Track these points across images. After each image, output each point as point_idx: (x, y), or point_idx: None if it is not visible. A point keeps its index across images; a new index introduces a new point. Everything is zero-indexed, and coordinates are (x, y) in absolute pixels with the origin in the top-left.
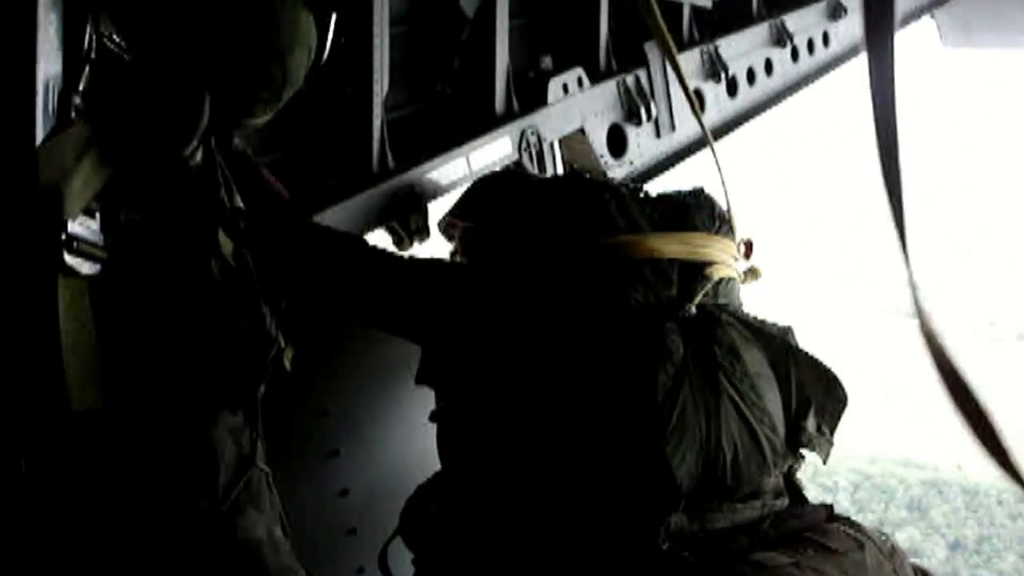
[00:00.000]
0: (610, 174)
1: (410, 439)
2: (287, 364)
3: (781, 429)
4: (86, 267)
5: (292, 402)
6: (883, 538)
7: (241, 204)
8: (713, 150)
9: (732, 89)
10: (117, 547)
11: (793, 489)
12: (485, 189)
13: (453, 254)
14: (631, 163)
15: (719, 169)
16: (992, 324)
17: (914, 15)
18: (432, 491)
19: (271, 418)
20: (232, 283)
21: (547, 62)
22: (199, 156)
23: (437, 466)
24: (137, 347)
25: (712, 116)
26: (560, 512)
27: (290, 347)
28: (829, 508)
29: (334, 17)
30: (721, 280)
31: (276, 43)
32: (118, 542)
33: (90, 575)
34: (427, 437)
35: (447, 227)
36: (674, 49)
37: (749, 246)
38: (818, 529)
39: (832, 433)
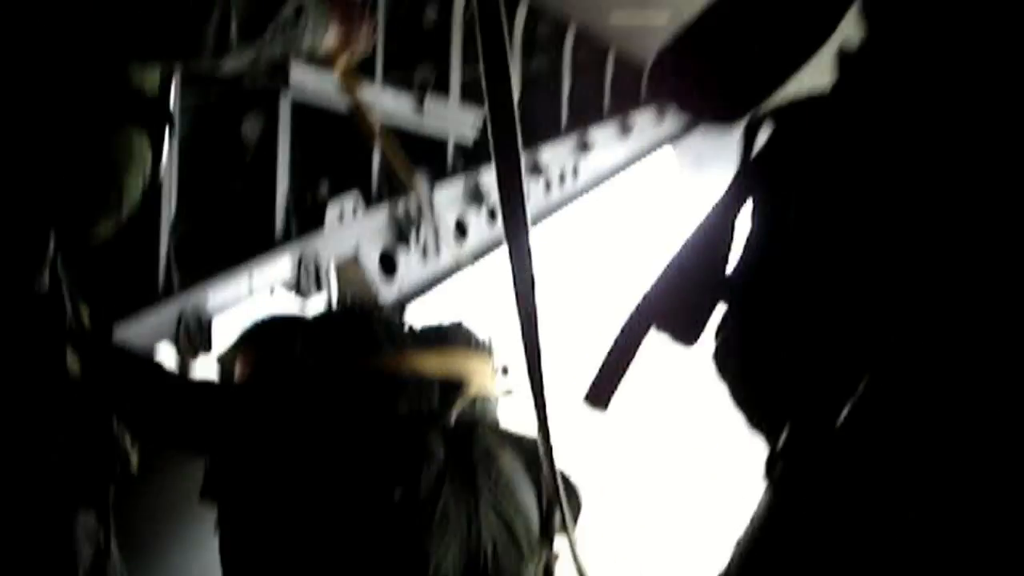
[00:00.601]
0: (381, 294)
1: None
2: (133, 468)
3: (535, 523)
4: None
5: None
6: None
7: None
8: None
9: (493, 215)
10: None
11: None
12: (264, 327)
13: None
14: (399, 285)
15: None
16: None
17: (653, 147)
18: None
19: None
20: (79, 394)
21: (324, 188)
22: (46, 281)
23: None
24: None
25: (473, 240)
26: None
27: (135, 450)
28: None
29: (167, 134)
30: (476, 397)
31: (111, 168)
32: None
33: None
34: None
35: (226, 363)
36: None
37: (505, 370)
38: None
39: (574, 531)
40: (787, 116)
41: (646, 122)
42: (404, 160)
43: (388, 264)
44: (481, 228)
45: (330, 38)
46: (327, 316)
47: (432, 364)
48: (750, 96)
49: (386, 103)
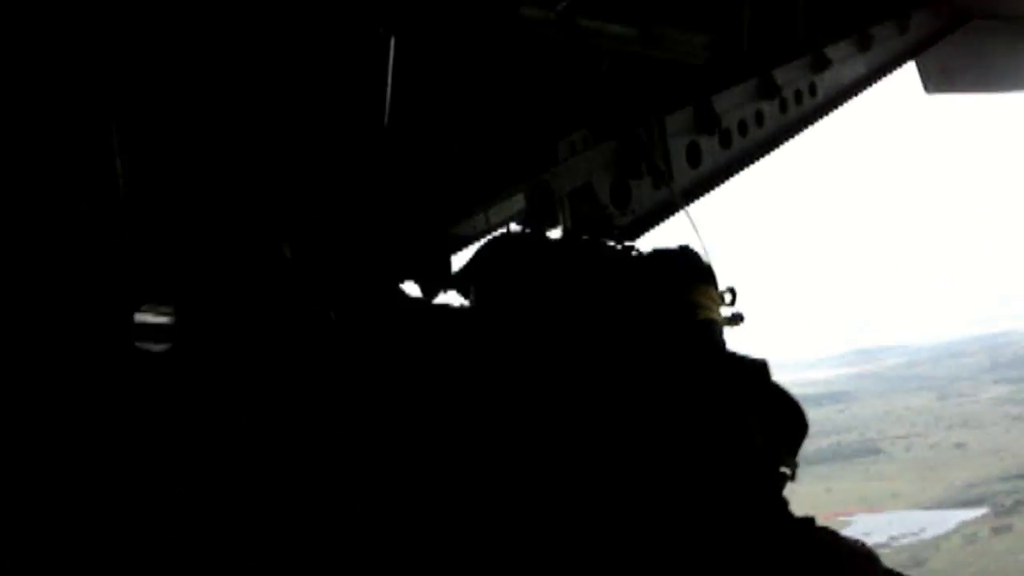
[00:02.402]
0: (615, 223)
1: None
2: None
3: (760, 447)
4: None
5: None
6: (858, 544)
7: None
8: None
9: (725, 141)
10: None
11: (780, 501)
12: (496, 249)
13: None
14: (633, 212)
15: (693, 224)
16: None
17: (898, 60)
18: None
19: None
20: None
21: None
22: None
23: None
24: None
25: (707, 165)
26: None
27: None
28: (811, 520)
29: None
30: (702, 322)
31: None
32: None
33: None
34: None
35: (463, 283)
36: None
37: (733, 294)
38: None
39: (795, 456)
40: None
41: (887, 35)
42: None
43: (621, 194)
44: (715, 153)
45: None
46: (558, 241)
47: (658, 290)
48: None
49: (612, 31)
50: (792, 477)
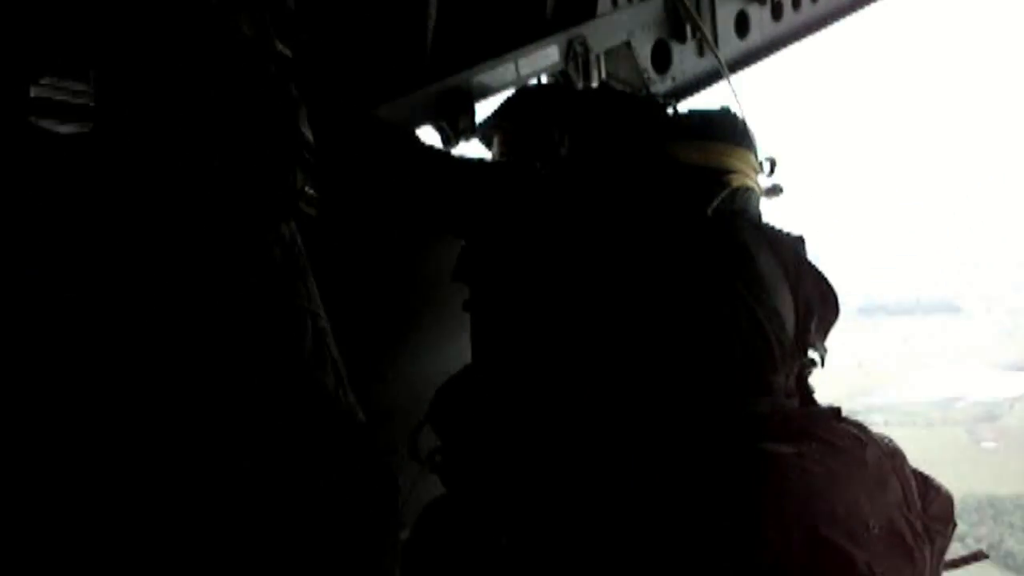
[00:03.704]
0: (652, 88)
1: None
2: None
3: (791, 330)
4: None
5: None
6: (886, 440)
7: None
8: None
9: (777, 13)
10: None
11: (805, 390)
12: (527, 98)
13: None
14: (673, 79)
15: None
16: None
17: None
18: (461, 381)
19: None
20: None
21: None
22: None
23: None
24: None
25: (755, 38)
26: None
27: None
28: (837, 410)
29: None
30: (739, 188)
31: None
32: None
33: None
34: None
35: (488, 132)
36: None
37: (772, 163)
38: (824, 427)
39: (824, 341)
40: None
41: None
42: None
43: (661, 57)
44: (764, 24)
45: None
46: (591, 94)
47: (694, 153)
48: None
49: None
50: (821, 363)
